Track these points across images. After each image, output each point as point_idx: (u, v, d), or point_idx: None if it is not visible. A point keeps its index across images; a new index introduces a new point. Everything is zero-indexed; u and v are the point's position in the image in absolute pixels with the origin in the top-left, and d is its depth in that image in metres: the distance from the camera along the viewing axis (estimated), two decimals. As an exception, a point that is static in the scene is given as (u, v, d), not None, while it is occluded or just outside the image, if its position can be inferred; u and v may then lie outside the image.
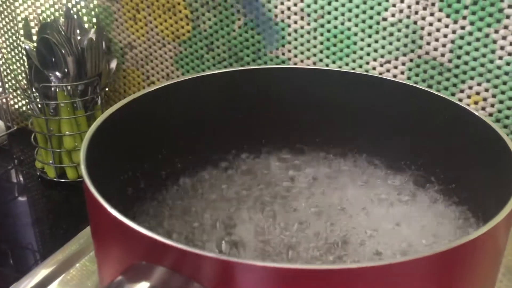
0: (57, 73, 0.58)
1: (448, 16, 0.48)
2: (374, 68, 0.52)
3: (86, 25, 0.64)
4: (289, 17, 0.54)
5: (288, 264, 0.20)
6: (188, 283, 0.19)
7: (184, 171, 0.38)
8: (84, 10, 0.66)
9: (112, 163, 0.29)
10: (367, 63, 0.53)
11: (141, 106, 0.32)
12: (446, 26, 0.48)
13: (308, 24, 0.54)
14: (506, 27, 0.46)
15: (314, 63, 0.55)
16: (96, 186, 0.22)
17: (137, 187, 0.34)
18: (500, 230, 0.23)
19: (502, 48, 0.47)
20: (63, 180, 0.62)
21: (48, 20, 0.66)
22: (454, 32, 0.48)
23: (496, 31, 0.47)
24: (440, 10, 0.48)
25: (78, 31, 0.61)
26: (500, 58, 0.47)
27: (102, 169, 0.25)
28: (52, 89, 0.58)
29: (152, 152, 0.34)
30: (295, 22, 0.54)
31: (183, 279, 0.19)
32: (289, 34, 0.55)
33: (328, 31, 0.53)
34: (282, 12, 0.54)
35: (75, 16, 0.62)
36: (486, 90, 0.49)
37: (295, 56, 0.56)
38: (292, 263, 0.31)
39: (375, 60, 0.52)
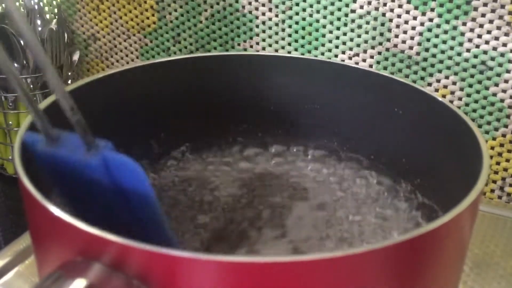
0: (16, 65, 0.56)
1: (416, 8, 0.47)
2: (342, 61, 0.52)
3: (47, 16, 0.61)
4: (256, 9, 0.53)
5: (235, 257, 0.18)
6: (128, 280, 0.17)
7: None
8: (45, 1, 0.63)
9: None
10: (336, 55, 0.52)
11: (93, 91, 0.30)
12: (414, 18, 0.47)
13: (276, 15, 0.53)
14: (473, 19, 0.46)
15: (283, 56, 0.54)
16: (31, 178, 0.20)
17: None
18: (464, 218, 0.22)
19: (470, 40, 0.46)
20: (23, 177, 0.59)
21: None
22: (422, 24, 0.47)
23: (464, 24, 0.46)
24: (408, 1, 0.47)
25: (39, 22, 0.59)
26: (468, 50, 0.47)
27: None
28: (10, 81, 0.55)
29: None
30: (263, 14, 0.53)
31: (123, 276, 0.17)
32: (257, 26, 0.54)
33: (296, 23, 0.52)
34: (250, 3, 0.53)
35: (36, 7, 0.59)
36: (454, 83, 0.48)
37: (263, 48, 0.55)
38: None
39: (343, 52, 0.51)
